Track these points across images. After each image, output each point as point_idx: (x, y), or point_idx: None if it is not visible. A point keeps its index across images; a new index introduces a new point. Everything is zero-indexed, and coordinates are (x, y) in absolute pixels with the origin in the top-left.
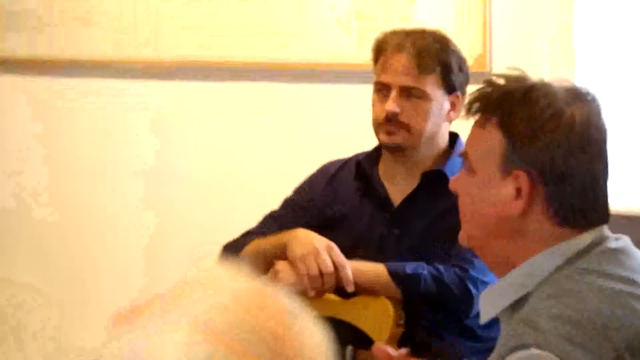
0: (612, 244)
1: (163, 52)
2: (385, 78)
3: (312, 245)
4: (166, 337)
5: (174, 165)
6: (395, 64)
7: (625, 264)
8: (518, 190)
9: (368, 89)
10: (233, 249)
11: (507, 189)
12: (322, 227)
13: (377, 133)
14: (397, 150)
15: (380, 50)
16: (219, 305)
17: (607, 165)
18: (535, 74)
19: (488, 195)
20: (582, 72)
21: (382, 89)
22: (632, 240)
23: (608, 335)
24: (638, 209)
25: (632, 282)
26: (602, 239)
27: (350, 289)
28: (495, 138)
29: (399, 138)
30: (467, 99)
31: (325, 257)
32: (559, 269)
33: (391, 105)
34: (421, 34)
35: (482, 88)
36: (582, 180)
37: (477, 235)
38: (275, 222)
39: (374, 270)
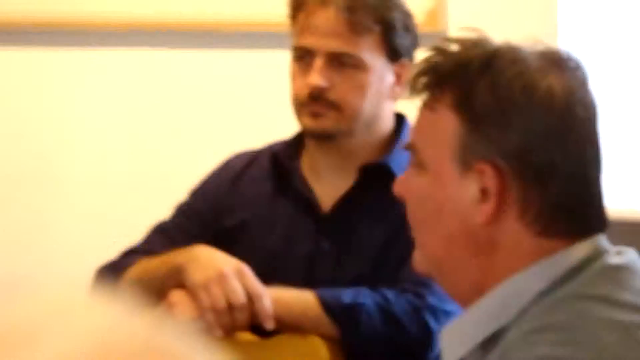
0: (613, 260)
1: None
2: (307, 41)
3: (216, 268)
4: None
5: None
6: (320, 22)
7: (631, 285)
8: (484, 191)
9: (283, 56)
10: (111, 272)
11: (470, 189)
12: (225, 243)
13: (298, 115)
14: (325, 138)
15: (299, 4)
16: (90, 344)
17: (599, 153)
18: (501, 35)
19: (444, 200)
20: (566, 35)
21: (303, 57)
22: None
23: None
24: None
25: None
26: (598, 253)
27: (269, 325)
28: (449, 122)
29: (327, 121)
30: (411, 73)
31: (234, 284)
32: (543, 293)
33: (316, 78)
34: None
35: (430, 57)
36: (567, 173)
37: (438, 255)
38: (166, 236)
39: (301, 300)
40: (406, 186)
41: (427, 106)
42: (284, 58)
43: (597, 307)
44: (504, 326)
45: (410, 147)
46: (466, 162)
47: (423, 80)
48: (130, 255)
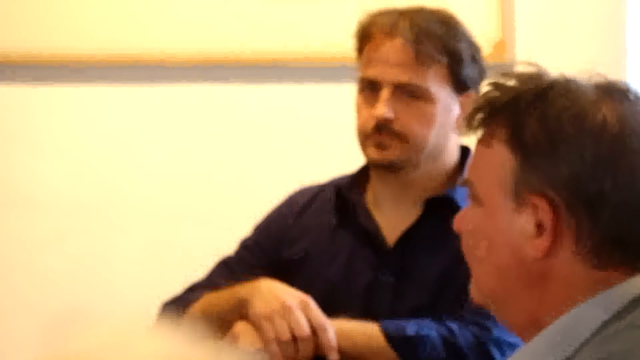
0: None
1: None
2: (373, 72)
3: (280, 300)
4: None
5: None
6: (386, 53)
7: None
8: (539, 225)
9: (346, 89)
10: (176, 307)
11: (525, 223)
12: (287, 274)
13: (363, 147)
14: (390, 169)
15: (366, 36)
16: None
17: None
18: (567, 66)
19: (498, 233)
20: (633, 64)
21: (369, 88)
22: None
23: None
24: None
25: None
26: None
27: (334, 357)
28: (502, 157)
29: (392, 152)
30: (468, 109)
31: (299, 316)
32: (605, 325)
33: (382, 109)
34: (420, 13)
35: (487, 93)
36: (619, 202)
37: (491, 287)
38: (230, 270)
39: (365, 331)
40: (464, 220)
41: (482, 142)
42: (346, 91)
43: None
44: (567, 358)
45: (467, 183)
46: (520, 196)
47: (479, 116)
48: (195, 290)
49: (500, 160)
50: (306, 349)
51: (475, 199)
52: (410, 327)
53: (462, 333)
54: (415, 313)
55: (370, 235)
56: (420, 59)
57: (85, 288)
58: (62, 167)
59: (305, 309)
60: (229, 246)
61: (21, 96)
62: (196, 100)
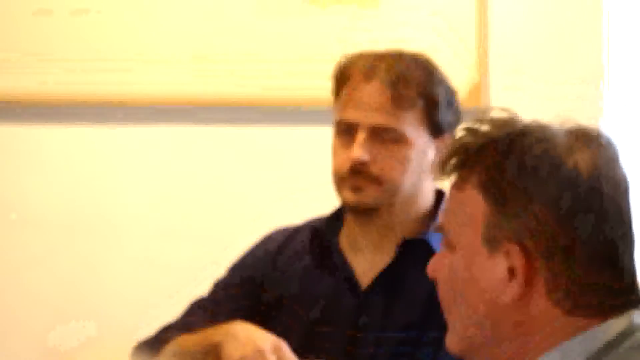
0: None
1: None
2: (350, 115)
3: (253, 343)
4: None
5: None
6: (363, 97)
7: None
8: (510, 270)
9: (321, 132)
10: (150, 348)
11: (497, 268)
12: (264, 318)
13: (338, 190)
14: (365, 212)
15: (343, 78)
16: None
17: (630, 229)
18: (544, 111)
19: (473, 280)
20: (612, 111)
21: (345, 130)
22: None
23: None
24: None
25: None
26: (634, 329)
27: None
28: (476, 202)
29: (368, 195)
30: (441, 155)
31: (271, 358)
32: None
33: (358, 152)
34: (398, 57)
35: (461, 138)
36: (593, 251)
37: (469, 336)
38: (204, 312)
39: None
40: (437, 267)
41: (455, 186)
42: (321, 134)
43: None
44: None
45: (440, 228)
46: (493, 242)
47: (452, 161)
48: (169, 331)
49: (474, 206)
50: None
51: (449, 244)
52: None
53: None
54: (391, 356)
55: (344, 278)
56: (397, 102)
57: (75, 305)
58: (53, 183)
59: (278, 352)
60: (217, 263)
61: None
62: (180, 140)
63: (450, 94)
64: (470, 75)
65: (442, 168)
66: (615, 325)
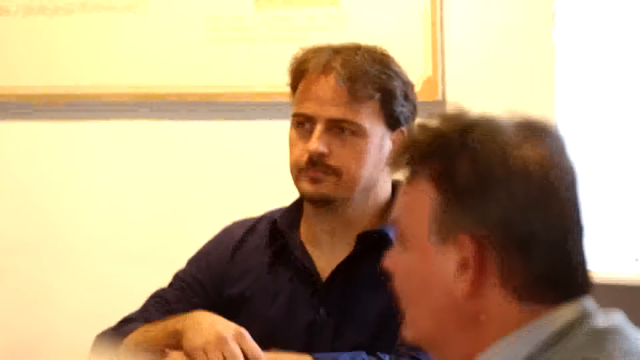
0: (600, 322)
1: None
2: (307, 108)
3: (216, 332)
4: None
5: None
6: (320, 90)
7: (618, 348)
8: (463, 262)
9: (279, 125)
10: (110, 339)
11: (449, 261)
12: (225, 312)
13: (296, 181)
14: (324, 204)
15: (300, 72)
16: None
17: (580, 218)
18: (497, 103)
19: (427, 274)
20: (564, 102)
21: (303, 123)
22: (629, 316)
23: None
24: (633, 276)
25: None
26: (585, 316)
27: None
28: (428, 197)
29: (326, 187)
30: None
31: (233, 347)
32: (531, 359)
33: (315, 144)
34: (354, 50)
35: (412, 133)
36: (548, 242)
37: (426, 327)
38: (164, 304)
39: None
40: (392, 261)
41: (407, 181)
42: (279, 127)
43: None
44: None
45: (393, 222)
46: (445, 235)
47: (404, 156)
48: (129, 322)
49: (425, 200)
50: None
51: (402, 238)
52: (343, 358)
53: None
54: (350, 347)
55: (304, 270)
56: (353, 95)
57: (24, 324)
58: (4, 205)
59: (240, 340)
60: (167, 280)
61: None
62: (136, 136)
63: (407, 87)
64: (424, 68)
65: (394, 162)
66: (564, 313)
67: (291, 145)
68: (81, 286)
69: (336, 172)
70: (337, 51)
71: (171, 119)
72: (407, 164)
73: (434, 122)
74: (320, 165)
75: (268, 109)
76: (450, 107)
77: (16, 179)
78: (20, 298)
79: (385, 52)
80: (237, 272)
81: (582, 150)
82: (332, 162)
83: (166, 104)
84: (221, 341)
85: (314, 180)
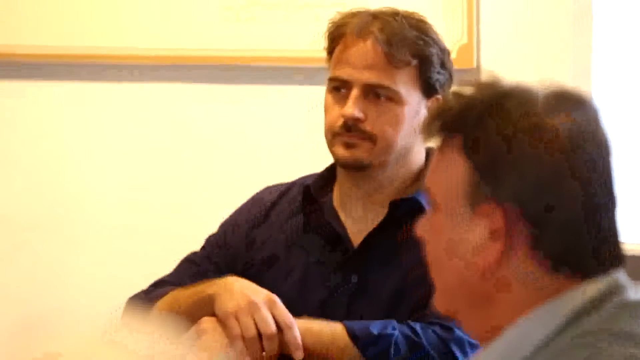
0: (632, 295)
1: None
2: (344, 72)
3: (247, 298)
4: None
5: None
6: (357, 54)
7: None
8: (492, 232)
9: (313, 91)
10: (142, 302)
11: (479, 230)
12: (254, 275)
13: (331, 146)
14: (357, 169)
15: (338, 36)
16: None
17: (613, 190)
18: (535, 72)
19: (458, 241)
20: (600, 73)
21: (339, 88)
22: None
23: None
24: None
25: None
26: (617, 289)
27: (299, 355)
28: (458, 165)
29: (360, 152)
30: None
31: (265, 313)
32: (560, 331)
33: (351, 109)
34: (392, 16)
35: (444, 101)
36: (574, 214)
37: (452, 296)
38: (196, 268)
39: (330, 330)
40: (424, 228)
41: (439, 149)
42: (310, 93)
43: (616, 346)
44: None
45: (426, 189)
46: (475, 204)
47: (435, 123)
48: (161, 285)
49: (456, 168)
50: (271, 347)
51: (434, 205)
52: (375, 326)
53: (425, 333)
54: (379, 314)
55: (336, 236)
56: (391, 61)
57: (40, 301)
58: (17, 180)
59: (271, 306)
60: (182, 256)
61: None
62: (154, 104)
63: (444, 54)
64: (459, 35)
65: (425, 130)
66: (597, 285)
67: (326, 109)
68: (96, 261)
69: (371, 138)
70: (375, 16)
71: (191, 81)
72: (439, 131)
73: (467, 90)
74: (355, 130)
75: (290, 73)
76: (485, 75)
77: (29, 153)
78: (34, 274)
79: (423, 18)
80: (268, 236)
81: (616, 121)
82: (367, 127)
83: (187, 68)
84: (252, 307)
85: (348, 146)
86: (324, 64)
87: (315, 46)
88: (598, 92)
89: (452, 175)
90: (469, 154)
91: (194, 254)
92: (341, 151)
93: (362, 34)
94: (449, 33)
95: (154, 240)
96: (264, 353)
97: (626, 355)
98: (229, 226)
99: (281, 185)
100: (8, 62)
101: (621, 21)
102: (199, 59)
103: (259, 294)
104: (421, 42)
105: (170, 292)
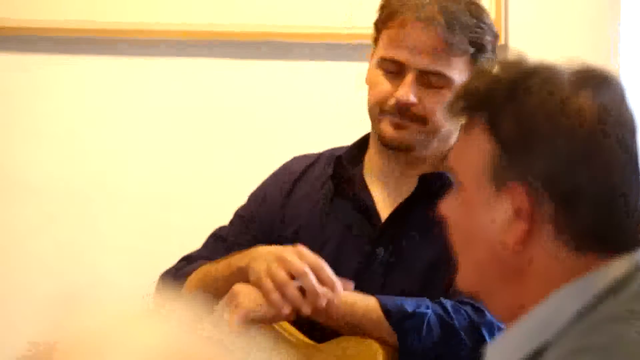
0: None
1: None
2: (401, 55)
3: (274, 254)
4: None
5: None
6: (417, 38)
7: None
8: (517, 211)
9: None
10: (173, 278)
11: (503, 208)
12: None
13: (377, 122)
14: (403, 149)
15: (393, 13)
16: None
17: (636, 170)
18: (559, 49)
19: (482, 219)
20: (629, 51)
21: (391, 67)
22: None
23: None
24: None
25: None
26: (637, 270)
27: (338, 291)
28: (482, 144)
29: (409, 134)
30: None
31: (294, 259)
32: (581, 313)
33: (407, 94)
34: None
35: (469, 80)
36: (597, 194)
37: (476, 275)
38: (225, 242)
39: (364, 302)
40: (447, 207)
41: (464, 129)
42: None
43: (636, 327)
44: (544, 345)
45: (450, 169)
46: (499, 183)
47: (459, 104)
48: (190, 262)
49: (480, 148)
50: (307, 286)
51: (458, 184)
52: (409, 304)
53: (457, 314)
54: (406, 287)
55: (365, 208)
56: (450, 48)
57: (76, 271)
58: (54, 152)
59: (300, 255)
60: (217, 225)
61: (9, 72)
62: (186, 79)
63: (495, 39)
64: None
65: (450, 110)
66: (618, 267)
67: (374, 84)
68: (131, 232)
69: (422, 120)
70: None
71: (224, 57)
72: (465, 111)
73: (492, 69)
74: (406, 112)
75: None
76: (511, 53)
77: (65, 126)
78: (70, 244)
79: (478, 2)
80: (294, 207)
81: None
82: (419, 111)
83: (219, 43)
84: (282, 260)
85: (398, 126)
86: (357, 41)
87: (347, 24)
88: (625, 71)
89: (475, 155)
90: (493, 132)
91: (222, 228)
92: (390, 131)
93: (422, 16)
94: None
95: (190, 211)
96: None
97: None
98: (256, 198)
99: (309, 155)
100: (44, 37)
101: None
102: (231, 34)
103: (286, 248)
104: (479, 30)
105: (201, 268)
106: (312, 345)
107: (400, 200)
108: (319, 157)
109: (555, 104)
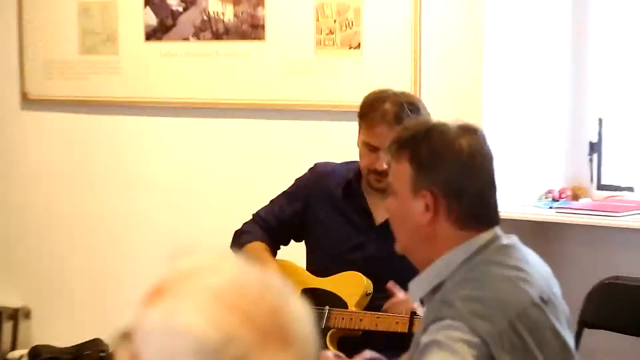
0: (504, 241)
1: (164, 94)
2: (374, 141)
3: None
4: (191, 307)
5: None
6: (383, 133)
7: (514, 256)
8: (426, 206)
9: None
10: (237, 239)
11: (418, 205)
12: (305, 229)
13: (366, 177)
14: (383, 190)
15: (365, 114)
16: (230, 282)
17: (493, 181)
18: (447, 113)
19: (407, 212)
20: (489, 111)
21: (369, 146)
22: (520, 239)
23: (503, 309)
24: (520, 214)
25: (519, 269)
26: (495, 238)
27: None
28: (406, 168)
29: (386, 183)
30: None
31: None
32: (465, 261)
33: (381, 165)
34: (400, 106)
35: (398, 133)
36: (473, 193)
37: (405, 242)
38: (279, 206)
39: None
40: (390, 205)
41: (395, 160)
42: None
43: (495, 268)
44: (444, 280)
45: (389, 184)
46: (416, 190)
47: (393, 146)
48: (244, 234)
49: (405, 171)
50: None
51: (393, 193)
52: None
53: None
54: (399, 282)
55: (365, 213)
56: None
57: (183, 236)
58: (169, 160)
59: None
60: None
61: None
62: (247, 133)
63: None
64: (408, 76)
65: (388, 149)
66: (484, 236)
67: (362, 156)
68: (217, 221)
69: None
70: (394, 102)
71: (258, 118)
72: (396, 149)
73: (412, 125)
74: (382, 172)
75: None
76: (422, 117)
77: (178, 146)
78: (171, 232)
79: (416, 102)
80: (317, 199)
81: (497, 141)
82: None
83: (265, 110)
84: None
85: (379, 181)
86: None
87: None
88: (486, 123)
89: (402, 174)
90: (411, 162)
91: (276, 197)
92: (375, 184)
93: (385, 120)
94: (399, 76)
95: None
96: None
97: (501, 274)
98: (299, 184)
99: (331, 164)
100: (165, 106)
101: (509, 65)
102: (261, 105)
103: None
104: (414, 119)
105: (253, 250)
106: (319, 279)
107: (385, 216)
108: (338, 168)
109: (448, 143)
